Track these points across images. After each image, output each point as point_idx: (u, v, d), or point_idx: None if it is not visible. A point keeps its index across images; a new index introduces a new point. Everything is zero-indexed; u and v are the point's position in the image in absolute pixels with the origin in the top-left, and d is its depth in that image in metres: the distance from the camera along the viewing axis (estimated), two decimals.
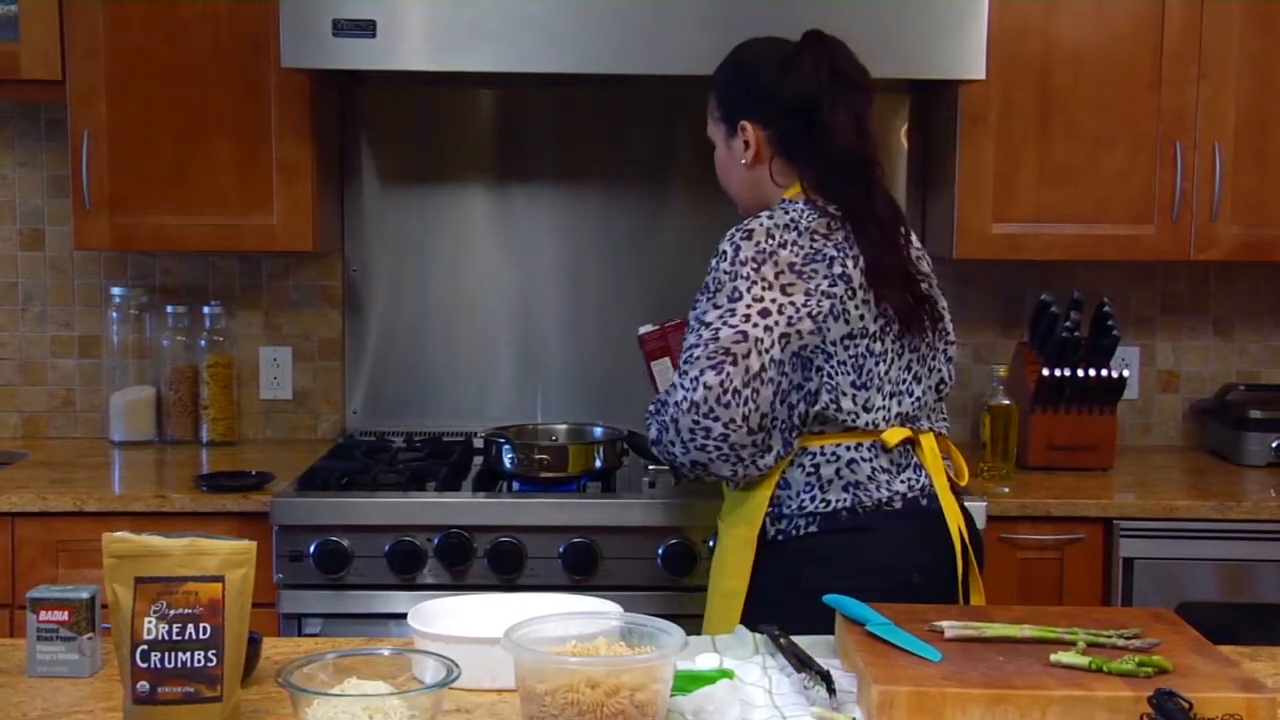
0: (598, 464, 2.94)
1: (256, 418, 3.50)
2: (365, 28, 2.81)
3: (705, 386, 2.07)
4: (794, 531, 2.18)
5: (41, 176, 3.44)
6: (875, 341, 2.15)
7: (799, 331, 2.10)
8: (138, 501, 2.84)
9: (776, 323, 2.09)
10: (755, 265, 2.10)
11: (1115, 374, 3.13)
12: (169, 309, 3.39)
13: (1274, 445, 3.21)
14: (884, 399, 2.17)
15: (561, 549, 2.75)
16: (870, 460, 2.17)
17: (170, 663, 1.51)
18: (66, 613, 1.73)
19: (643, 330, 2.65)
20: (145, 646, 1.51)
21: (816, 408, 2.15)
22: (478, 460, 3.17)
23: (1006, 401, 3.06)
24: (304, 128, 3.08)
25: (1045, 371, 3.12)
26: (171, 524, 2.76)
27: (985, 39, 2.82)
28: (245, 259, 3.45)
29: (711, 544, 2.74)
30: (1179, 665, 1.57)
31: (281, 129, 3.08)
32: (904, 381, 2.20)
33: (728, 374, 2.07)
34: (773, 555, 2.19)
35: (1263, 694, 1.50)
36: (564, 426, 3.20)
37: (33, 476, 3.02)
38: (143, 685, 1.51)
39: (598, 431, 3.13)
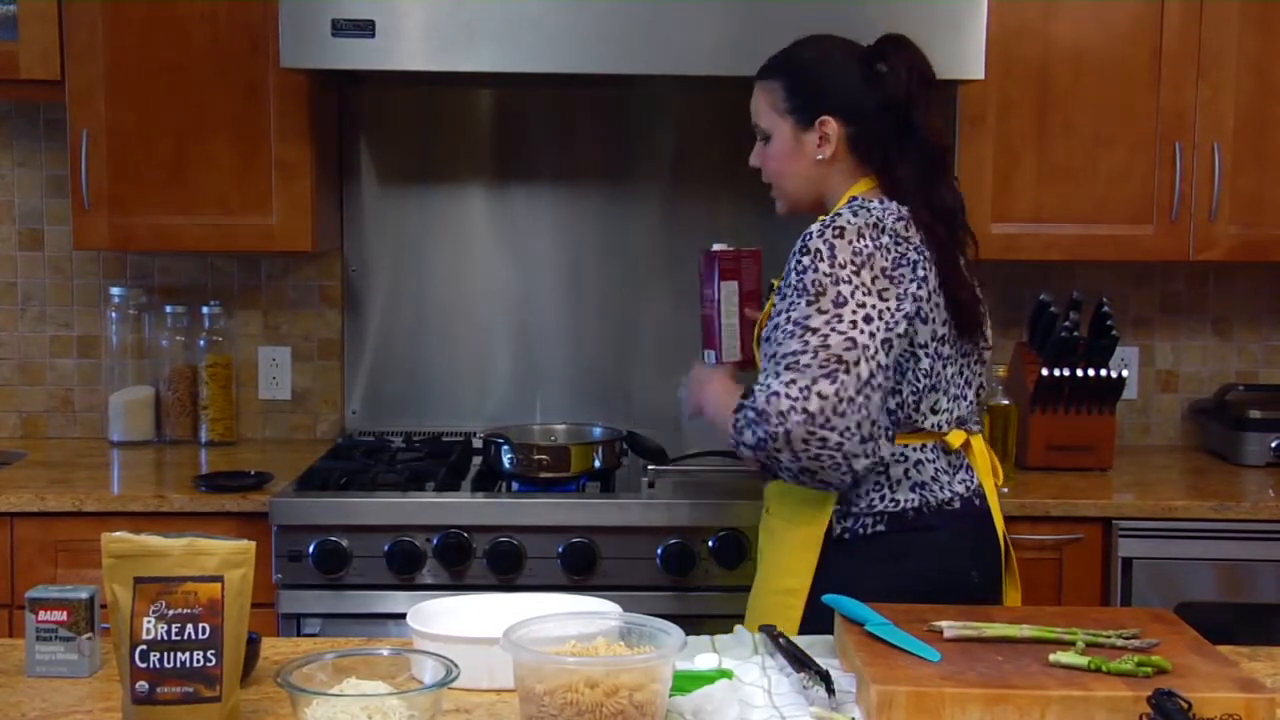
0: (597, 464, 2.94)
1: (255, 418, 3.50)
2: (364, 28, 2.81)
3: (820, 396, 2.01)
4: (861, 530, 2.17)
5: (40, 176, 3.44)
6: (944, 344, 2.19)
7: (897, 336, 2.10)
8: (136, 501, 2.84)
9: (879, 328, 2.06)
10: (855, 269, 2.07)
11: (1114, 374, 3.13)
12: (168, 309, 3.39)
13: (1273, 445, 3.22)
14: (948, 401, 2.21)
15: (560, 549, 2.75)
16: (934, 461, 2.20)
17: (169, 663, 1.51)
18: (65, 613, 1.73)
19: (719, 247, 2.47)
20: (144, 646, 1.51)
21: (891, 406, 2.17)
22: (477, 460, 3.17)
23: (1005, 402, 3.06)
24: (303, 128, 3.08)
25: (1044, 371, 3.12)
26: (170, 524, 2.76)
27: (984, 39, 2.82)
28: (244, 259, 3.45)
29: (711, 544, 2.74)
30: (1178, 665, 1.57)
31: (280, 129, 3.08)
32: (959, 385, 2.23)
33: (842, 382, 2.02)
34: (838, 554, 2.17)
35: (1261, 694, 1.50)
36: (563, 426, 3.20)
37: (31, 476, 3.02)
38: (142, 685, 1.51)
39: (597, 431, 3.13)
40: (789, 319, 2.07)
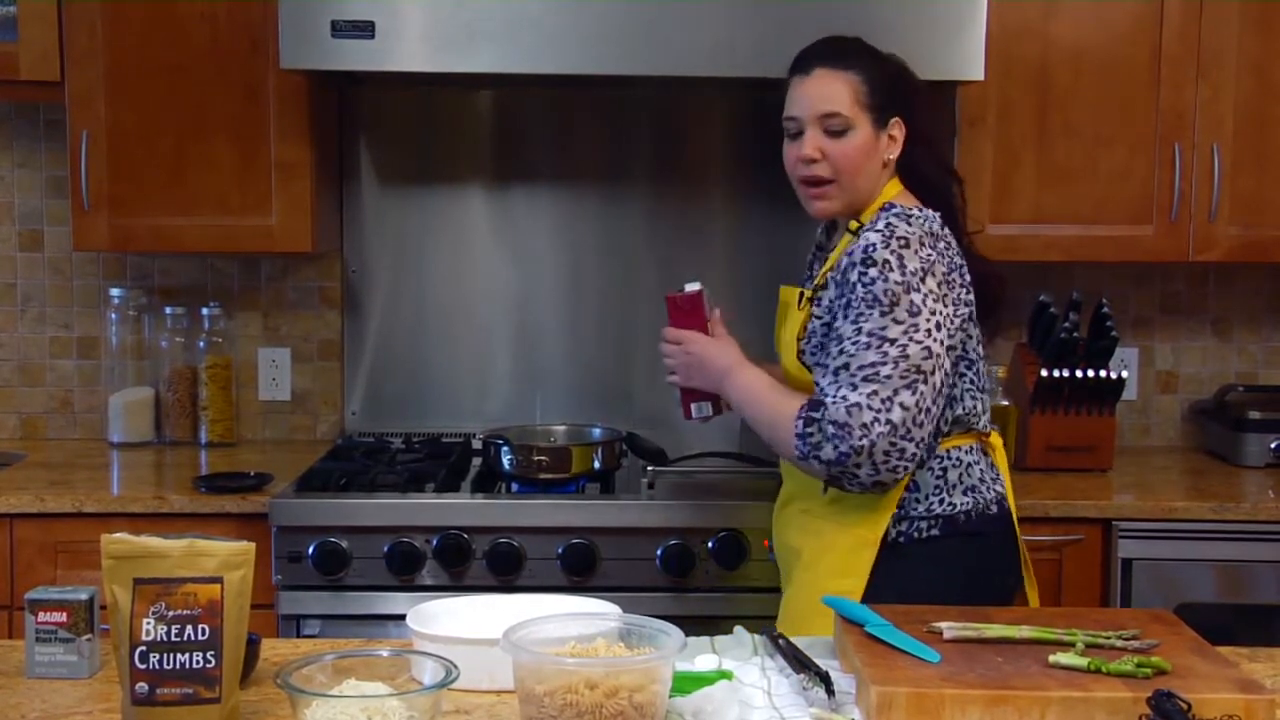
0: (596, 465, 2.94)
1: (255, 419, 3.50)
2: (364, 29, 2.81)
3: (903, 407, 2.03)
4: (916, 534, 2.18)
5: (40, 177, 3.44)
6: (980, 345, 2.26)
7: (958, 342, 2.15)
8: (136, 503, 2.84)
9: (945, 336, 2.09)
10: (922, 277, 2.08)
11: (1114, 375, 3.13)
12: (167, 310, 3.39)
13: (1272, 446, 3.21)
14: (988, 400, 2.27)
15: (560, 550, 2.75)
16: (978, 462, 2.23)
17: (169, 664, 1.51)
18: (65, 614, 1.73)
19: (694, 288, 2.38)
20: (144, 647, 1.51)
21: (958, 412, 2.20)
22: (476, 461, 3.17)
23: (1005, 402, 3.07)
24: (303, 129, 3.08)
25: (1044, 372, 3.12)
26: (170, 525, 2.76)
27: (984, 40, 2.82)
28: (244, 260, 3.45)
29: (711, 545, 2.74)
30: (1178, 666, 1.57)
31: (280, 130, 3.08)
32: (988, 384, 2.30)
33: (921, 393, 2.04)
34: (890, 556, 2.17)
35: (1261, 695, 1.50)
36: (563, 427, 3.20)
37: (31, 478, 3.02)
38: (141, 686, 1.51)
39: (596, 432, 3.13)
40: (860, 330, 2.06)
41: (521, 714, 1.49)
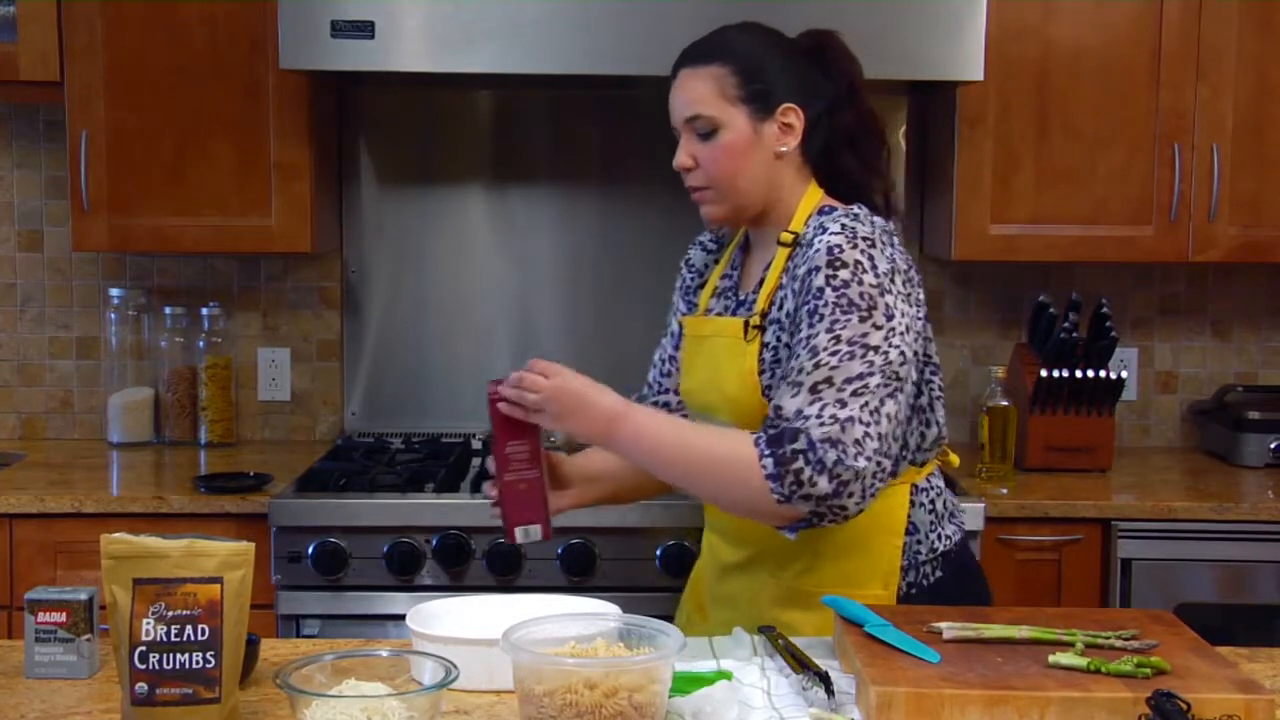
0: None
1: (255, 419, 3.50)
2: (363, 29, 2.81)
3: (888, 418, 1.81)
4: (925, 583, 2.01)
5: (40, 178, 3.44)
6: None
7: (922, 346, 1.97)
8: (136, 503, 2.84)
9: (913, 339, 1.90)
10: (892, 277, 1.87)
11: (1113, 375, 3.13)
12: (167, 310, 3.39)
13: (1272, 446, 3.22)
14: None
15: (560, 550, 2.75)
16: (944, 486, 2.09)
17: (168, 664, 1.51)
18: (64, 614, 1.73)
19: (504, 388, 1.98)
20: (143, 648, 1.51)
21: (935, 433, 2.02)
22: (476, 461, 3.17)
23: (1005, 403, 3.06)
24: (302, 129, 3.08)
25: (1043, 373, 3.12)
26: (170, 525, 2.76)
27: (984, 40, 2.82)
28: (243, 260, 3.45)
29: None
30: (1177, 666, 1.57)
31: (280, 130, 3.08)
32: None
33: (899, 401, 1.84)
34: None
35: (1261, 695, 1.50)
36: None
37: (31, 478, 3.02)
38: (141, 686, 1.51)
39: None
40: (838, 338, 1.82)
41: (521, 714, 1.49)
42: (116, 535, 1.55)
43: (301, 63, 2.87)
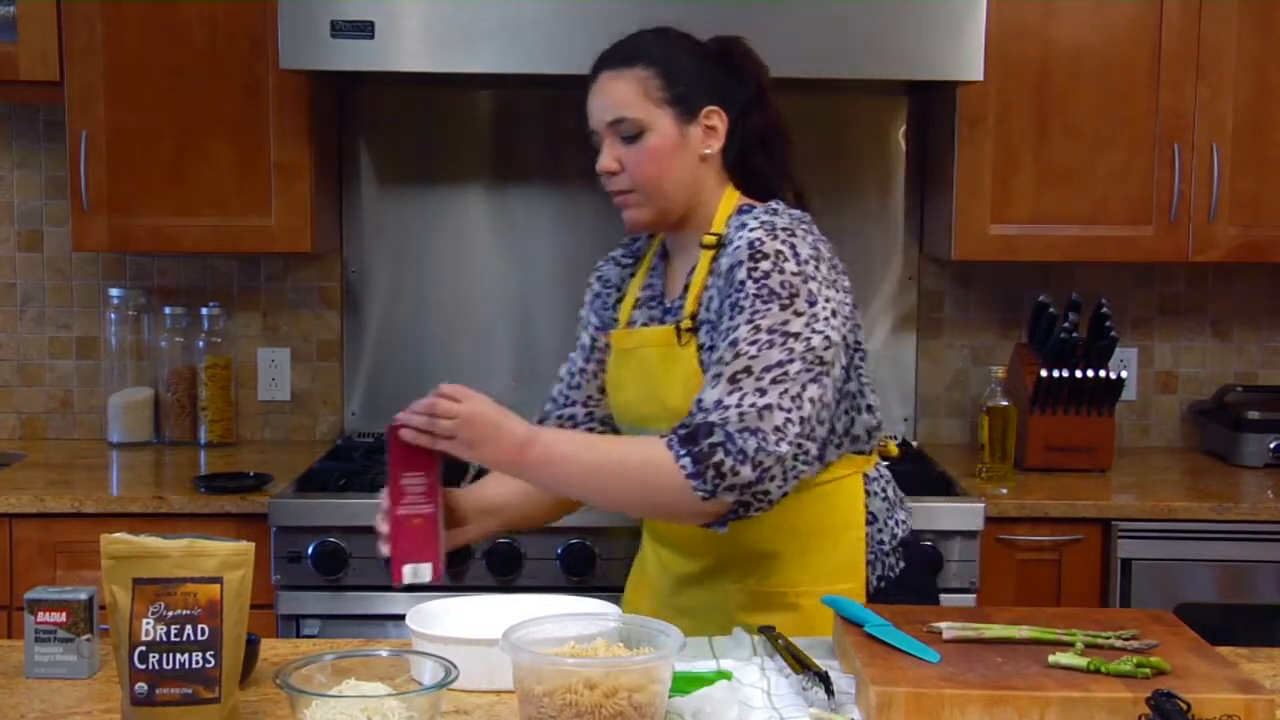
0: None
1: (254, 419, 3.50)
2: (363, 29, 2.81)
3: (811, 402, 1.80)
4: (891, 574, 2.03)
5: (40, 178, 3.44)
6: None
7: (851, 331, 1.95)
8: (136, 503, 2.84)
9: (841, 323, 1.89)
10: (816, 264, 1.87)
11: (1113, 375, 3.13)
12: (167, 310, 3.39)
13: (1271, 446, 3.22)
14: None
15: (559, 550, 2.75)
16: (890, 474, 2.10)
17: (168, 664, 1.51)
18: (64, 614, 1.73)
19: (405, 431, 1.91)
20: (143, 648, 1.51)
21: (872, 422, 2.01)
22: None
23: (1005, 403, 3.07)
24: (302, 129, 3.08)
25: (1043, 373, 3.12)
26: (169, 525, 2.76)
27: (983, 40, 2.82)
28: (243, 260, 3.45)
29: None
30: (1177, 666, 1.57)
31: (280, 130, 3.08)
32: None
33: (824, 385, 1.83)
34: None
35: (1261, 695, 1.50)
36: None
37: (31, 478, 3.02)
38: (141, 686, 1.51)
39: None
40: (758, 328, 1.82)
41: (521, 714, 1.49)
42: (116, 535, 1.55)
43: (301, 63, 2.87)
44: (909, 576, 2.06)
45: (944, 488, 2.94)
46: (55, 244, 3.44)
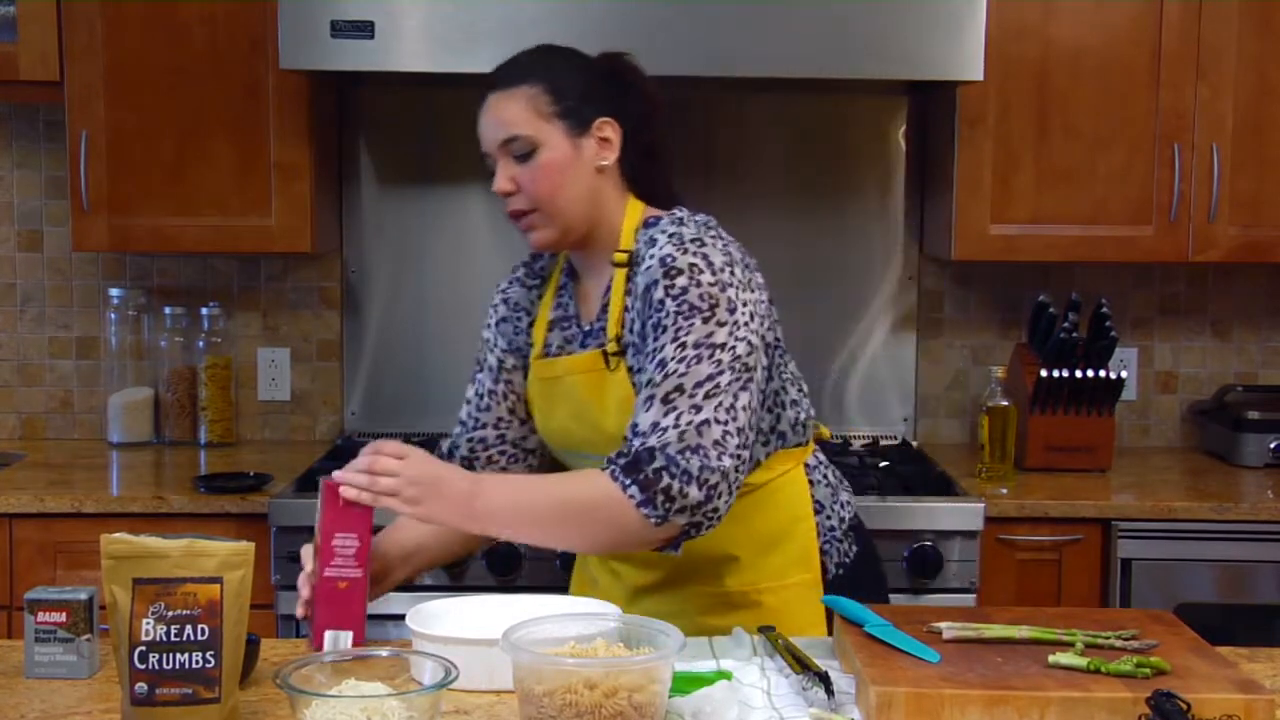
0: None
1: (254, 419, 3.50)
2: (363, 29, 2.81)
3: (744, 410, 1.80)
4: (846, 559, 2.06)
5: (40, 178, 3.44)
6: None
7: (769, 330, 1.95)
8: (136, 503, 2.84)
9: (760, 325, 1.88)
10: (730, 269, 1.86)
11: (1113, 375, 3.13)
12: (167, 310, 3.39)
13: (1272, 446, 3.22)
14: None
15: (559, 550, 2.74)
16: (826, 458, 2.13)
17: (168, 664, 1.51)
18: (64, 614, 1.73)
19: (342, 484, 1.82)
20: (143, 648, 1.51)
21: (801, 416, 2.02)
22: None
23: (1005, 403, 3.07)
24: (302, 129, 3.08)
25: (1043, 373, 3.12)
26: (169, 525, 2.76)
27: (983, 40, 2.82)
28: (243, 260, 3.45)
29: None
30: (1177, 666, 1.57)
31: (280, 130, 3.08)
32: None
33: (753, 391, 1.83)
34: (839, 591, 1.94)
35: (1261, 695, 1.50)
36: None
37: (30, 478, 3.02)
38: (141, 686, 1.51)
39: None
40: (684, 345, 1.80)
41: (521, 714, 1.49)
42: (116, 535, 1.55)
43: (301, 63, 2.87)
44: (861, 563, 2.09)
45: (944, 488, 2.94)
46: (55, 244, 3.45)
